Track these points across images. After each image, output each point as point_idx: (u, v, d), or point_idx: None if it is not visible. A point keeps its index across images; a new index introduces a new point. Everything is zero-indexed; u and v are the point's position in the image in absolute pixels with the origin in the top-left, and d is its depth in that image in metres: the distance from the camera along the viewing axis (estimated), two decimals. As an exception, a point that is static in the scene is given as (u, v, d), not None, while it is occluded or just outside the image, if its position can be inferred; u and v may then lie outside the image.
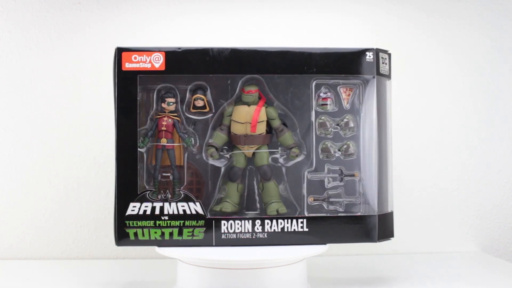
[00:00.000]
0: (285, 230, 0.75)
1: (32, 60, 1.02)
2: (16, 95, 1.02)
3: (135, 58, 0.76)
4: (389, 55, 0.81)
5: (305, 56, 0.77)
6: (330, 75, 0.79)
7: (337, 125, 0.80)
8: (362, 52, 0.77)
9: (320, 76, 0.79)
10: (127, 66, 0.76)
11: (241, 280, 0.69)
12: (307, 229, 0.76)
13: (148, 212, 0.76)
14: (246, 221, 0.76)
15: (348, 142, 0.80)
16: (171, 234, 0.75)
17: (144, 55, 0.76)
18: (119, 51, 0.76)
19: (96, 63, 1.03)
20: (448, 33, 1.07)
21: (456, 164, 1.07)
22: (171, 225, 0.76)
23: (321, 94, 0.80)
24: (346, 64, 0.78)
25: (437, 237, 1.06)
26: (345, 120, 0.80)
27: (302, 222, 0.76)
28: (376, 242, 0.77)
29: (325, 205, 0.80)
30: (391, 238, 0.82)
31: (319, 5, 1.06)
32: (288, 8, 1.05)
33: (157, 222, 0.75)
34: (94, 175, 1.02)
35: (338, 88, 0.81)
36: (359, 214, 0.79)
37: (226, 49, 0.76)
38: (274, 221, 0.76)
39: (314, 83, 0.80)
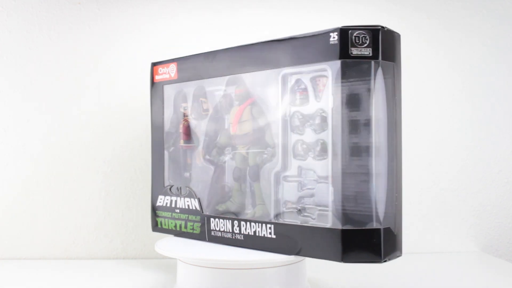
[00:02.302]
0: (257, 234, 0.73)
1: (32, 60, 1.02)
2: (15, 95, 1.02)
3: (160, 70, 0.86)
4: (375, 30, 0.64)
5: (272, 48, 0.71)
6: (295, 66, 0.69)
7: (310, 121, 0.70)
8: (325, 35, 0.66)
9: (288, 68, 0.70)
10: (157, 78, 0.87)
11: (241, 280, 0.69)
12: (274, 236, 0.71)
13: (168, 205, 0.84)
14: (227, 221, 0.76)
15: (321, 141, 0.69)
16: (180, 226, 0.83)
17: (165, 67, 0.85)
18: (152, 66, 0.87)
19: (96, 63, 1.03)
20: (448, 33, 1.07)
21: (456, 164, 1.07)
22: (180, 218, 0.82)
23: (296, 88, 0.71)
24: (310, 51, 0.67)
25: (437, 237, 1.07)
26: (318, 115, 0.69)
27: (270, 228, 0.71)
28: (340, 261, 0.64)
29: (297, 212, 0.72)
30: (378, 262, 0.64)
31: (319, 5, 1.06)
32: (288, 8, 1.05)
33: (172, 214, 0.84)
34: (94, 175, 1.02)
35: (310, 79, 0.70)
36: (328, 226, 0.66)
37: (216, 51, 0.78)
38: (248, 223, 0.74)
39: (280, 76, 0.71)
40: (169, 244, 0.78)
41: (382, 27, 0.64)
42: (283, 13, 1.05)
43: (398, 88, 0.66)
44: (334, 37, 0.64)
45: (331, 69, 0.65)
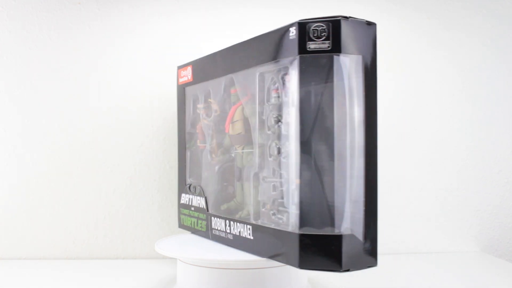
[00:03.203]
0: (240, 234, 0.72)
1: (32, 60, 1.02)
2: (15, 94, 1.02)
3: (182, 73, 0.90)
4: (335, 22, 0.59)
5: (248, 47, 0.70)
6: (264, 64, 0.67)
7: (279, 121, 0.67)
8: (286, 30, 0.62)
9: (260, 66, 0.68)
10: (180, 81, 0.90)
11: (241, 280, 0.69)
12: (252, 238, 0.70)
13: (187, 203, 0.88)
14: (222, 220, 0.77)
15: (287, 142, 0.65)
16: (194, 223, 0.85)
17: (185, 70, 0.88)
18: (177, 69, 0.91)
19: (96, 62, 1.03)
20: (448, 33, 1.07)
21: (456, 164, 1.07)
22: (194, 215, 0.85)
23: (271, 86, 0.68)
24: (274, 48, 0.64)
25: (437, 237, 1.06)
26: (284, 114, 0.65)
27: (249, 229, 0.70)
28: (297, 267, 0.61)
29: (272, 214, 0.68)
30: (337, 271, 0.60)
31: (319, 5, 1.06)
32: (288, 8, 1.05)
33: (189, 211, 0.87)
34: (94, 175, 1.02)
35: (280, 77, 0.67)
36: (288, 230, 0.63)
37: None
38: (235, 224, 0.73)
39: (257, 75, 0.70)
40: (169, 244, 0.78)
41: (345, 17, 0.59)
42: (283, 12, 1.05)
43: (369, 83, 0.60)
44: (293, 32, 0.61)
45: (291, 65, 0.61)
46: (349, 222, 0.59)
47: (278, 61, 0.63)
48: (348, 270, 0.59)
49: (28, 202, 1.02)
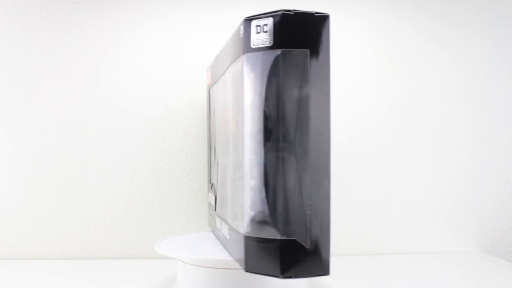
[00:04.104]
0: (227, 236, 0.71)
1: (32, 60, 1.02)
2: (16, 94, 1.02)
3: (207, 74, 0.91)
4: (276, 16, 0.56)
5: (224, 49, 0.70)
6: (232, 64, 0.65)
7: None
8: (238, 29, 0.61)
9: (231, 67, 0.67)
10: (208, 82, 0.91)
11: (241, 280, 0.69)
12: (228, 237, 0.69)
13: (210, 201, 0.88)
14: (219, 220, 0.77)
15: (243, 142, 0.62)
16: (211, 221, 0.87)
17: (208, 71, 0.90)
18: (207, 69, 0.92)
19: (96, 62, 1.03)
20: (448, 33, 1.07)
21: (456, 164, 1.07)
22: (211, 213, 0.87)
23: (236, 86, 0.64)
24: (232, 48, 0.64)
25: (437, 237, 1.07)
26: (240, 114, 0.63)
27: (226, 229, 0.70)
28: (244, 271, 0.60)
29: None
30: (276, 277, 0.57)
31: (319, 5, 1.06)
32: (287, 7, 1.05)
33: (210, 210, 0.88)
34: (94, 175, 1.02)
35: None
36: (240, 231, 0.61)
37: None
38: (225, 224, 0.72)
39: (231, 76, 0.68)
40: (169, 244, 0.78)
41: (288, 11, 0.56)
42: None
43: (318, 78, 0.57)
44: (241, 30, 0.59)
45: (242, 64, 0.59)
46: (294, 227, 0.56)
47: (237, 60, 0.61)
48: (290, 277, 0.56)
49: (28, 202, 1.02)
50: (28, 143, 1.02)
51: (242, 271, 0.69)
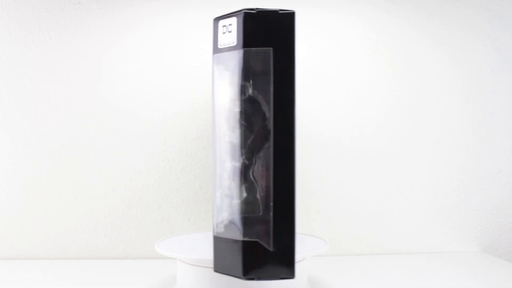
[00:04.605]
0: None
1: (32, 60, 1.02)
2: (16, 95, 1.02)
3: None
4: (239, 15, 0.56)
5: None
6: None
7: None
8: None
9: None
10: None
11: (241, 280, 0.69)
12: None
13: None
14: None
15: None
16: None
17: None
18: None
19: (96, 63, 1.03)
20: (448, 33, 1.07)
21: (456, 164, 1.07)
22: None
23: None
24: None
25: (437, 237, 1.06)
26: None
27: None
28: (214, 271, 0.61)
29: None
30: (240, 278, 0.57)
31: (319, 5, 1.06)
32: (287, 6, 1.05)
33: None
34: (94, 175, 1.02)
35: None
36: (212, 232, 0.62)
37: None
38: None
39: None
40: (169, 244, 0.78)
41: (251, 9, 0.55)
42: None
43: (280, 77, 0.55)
44: (212, 30, 0.59)
45: (212, 64, 0.59)
46: (257, 229, 0.56)
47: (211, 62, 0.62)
48: (252, 279, 0.56)
49: (28, 202, 1.02)
50: (28, 143, 1.02)
51: (242, 271, 0.69)
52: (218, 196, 0.58)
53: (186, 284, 0.73)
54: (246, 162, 0.56)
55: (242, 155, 0.56)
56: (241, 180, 0.56)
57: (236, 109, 0.56)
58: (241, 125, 0.56)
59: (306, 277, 0.75)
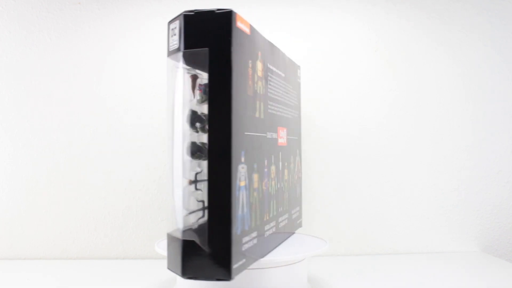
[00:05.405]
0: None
1: (32, 60, 1.02)
2: (16, 94, 1.02)
3: None
4: (181, 18, 0.56)
5: None
6: None
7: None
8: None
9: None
10: None
11: (241, 280, 0.69)
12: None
13: None
14: None
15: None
16: None
17: None
18: None
19: (96, 63, 1.03)
20: (448, 33, 1.07)
21: (456, 164, 1.07)
22: None
23: (201, 82, 0.62)
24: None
25: (437, 237, 1.06)
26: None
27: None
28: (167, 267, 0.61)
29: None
30: (181, 277, 0.56)
31: (319, 4, 1.06)
32: (288, 7, 1.05)
33: None
34: (94, 175, 1.02)
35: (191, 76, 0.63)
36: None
37: None
38: None
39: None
40: (169, 244, 0.78)
41: (190, 11, 0.55)
42: (283, 13, 1.05)
43: (216, 77, 0.55)
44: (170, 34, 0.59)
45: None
46: (196, 229, 0.56)
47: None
48: (192, 278, 0.55)
49: (28, 202, 1.02)
50: (28, 143, 1.02)
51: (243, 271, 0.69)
52: (174, 196, 0.59)
53: (186, 284, 0.73)
54: (184, 162, 0.57)
55: (180, 155, 0.57)
56: (185, 181, 0.58)
57: (186, 111, 0.57)
58: (180, 128, 0.57)
59: (306, 277, 0.75)
